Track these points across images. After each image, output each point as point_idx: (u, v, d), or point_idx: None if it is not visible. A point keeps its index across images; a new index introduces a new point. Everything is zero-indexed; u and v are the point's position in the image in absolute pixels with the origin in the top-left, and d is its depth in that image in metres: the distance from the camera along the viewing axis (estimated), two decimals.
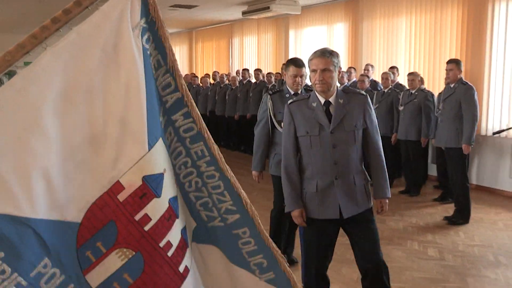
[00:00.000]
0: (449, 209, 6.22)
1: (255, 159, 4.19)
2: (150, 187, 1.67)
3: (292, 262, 4.36)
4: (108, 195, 1.63)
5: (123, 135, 1.64)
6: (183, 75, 1.75)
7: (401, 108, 7.09)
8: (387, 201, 3.06)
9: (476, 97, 5.70)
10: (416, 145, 7.01)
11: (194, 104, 1.82)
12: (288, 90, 4.05)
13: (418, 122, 6.90)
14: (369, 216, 3.00)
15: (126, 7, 1.64)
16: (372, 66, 8.69)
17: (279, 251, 1.94)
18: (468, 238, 5.28)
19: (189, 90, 1.85)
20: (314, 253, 3.03)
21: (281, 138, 3.90)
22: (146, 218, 1.67)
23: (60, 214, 1.56)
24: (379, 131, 3.05)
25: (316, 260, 3.04)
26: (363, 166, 3.02)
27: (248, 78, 11.27)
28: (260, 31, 12.87)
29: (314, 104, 2.92)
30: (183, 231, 1.83)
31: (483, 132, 7.39)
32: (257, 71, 11.06)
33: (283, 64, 10.30)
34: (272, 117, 4.02)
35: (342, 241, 3.28)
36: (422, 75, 7.41)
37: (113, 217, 1.63)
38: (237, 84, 11.31)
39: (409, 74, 7.17)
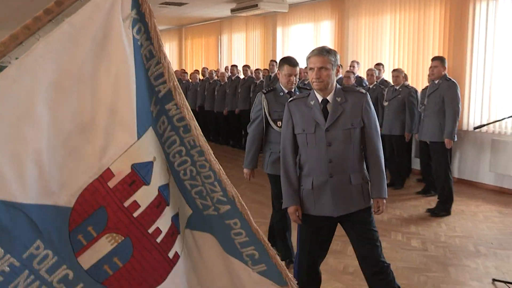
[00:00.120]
0: (431, 201, 6.27)
1: (248, 157, 4.11)
2: (139, 174, 1.69)
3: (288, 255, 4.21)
4: (98, 182, 1.65)
5: (113, 123, 1.66)
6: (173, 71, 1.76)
7: (385, 103, 7.13)
8: (384, 201, 2.95)
9: (459, 93, 5.73)
10: (400, 140, 7.05)
11: (182, 94, 1.81)
12: (282, 88, 3.99)
13: (402, 117, 6.94)
14: (366, 217, 2.91)
15: None
16: (357, 62, 8.71)
17: (269, 244, 1.92)
18: (450, 230, 5.33)
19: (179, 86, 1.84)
20: (307, 249, 2.98)
21: (277, 137, 3.85)
22: (135, 205, 1.70)
23: (53, 199, 1.60)
24: (378, 131, 2.95)
25: (309, 255, 2.99)
26: (363, 166, 2.93)
27: (237, 74, 11.26)
28: (248, 28, 12.85)
29: (312, 102, 2.87)
30: (174, 218, 1.84)
31: (464, 127, 7.45)
32: (246, 67, 11.06)
33: (271, 61, 10.34)
34: (268, 116, 3.96)
35: None
36: (406, 72, 7.44)
37: (103, 203, 1.66)
38: (226, 80, 11.30)
39: (394, 70, 7.20)
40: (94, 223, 1.66)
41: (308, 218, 2.93)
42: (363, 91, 2.94)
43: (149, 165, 1.72)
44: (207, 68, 12.70)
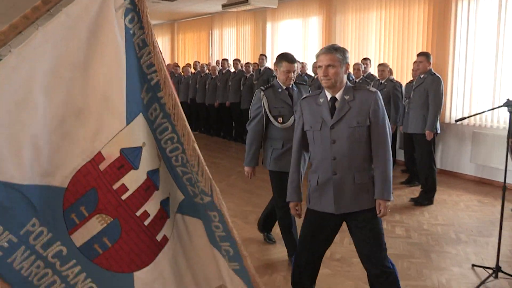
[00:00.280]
0: (415, 191, 6.32)
1: (249, 155, 3.96)
2: (127, 159, 1.72)
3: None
4: (91, 164, 1.70)
5: (105, 109, 1.69)
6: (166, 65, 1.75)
7: None
8: (387, 203, 2.75)
9: (442, 87, 5.75)
10: None
11: (169, 82, 1.79)
12: (280, 85, 3.88)
13: (387, 110, 6.93)
14: (370, 217, 2.78)
15: None
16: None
17: (242, 246, 1.84)
18: (432, 218, 5.38)
19: (171, 79, 1.83)
20: (307, 242, 2.89)
21: (278, 133, 3.85)
22: (123, 188, 1.73)
23: (48, 180, 1.65)
24: (387, 131, 2.78)
25: (308, 249, 2.90)
26: (371, 165, 2.80)
27: (227, 68, 11.23)
28: (239, 23, 12.80)
29: (322, 100, 2.80)
30: (164, 202, 1.84)
31: (446, 120, 7.50)
32: (236, 61, 11.04)
33: (261, 55, 10.32)
34: (268, 112, 3.85)
35: None
36: (391, 66, 7.47)
37: (94, 185, 1.70)
38: (217, 73, 11.26)
39: (379, 65, 7.23)
40: (86, 203, 1.71)
41: (313, 214, 2.87)
42: (373, 89, 2.81)
43: (137, 150, 1.74)
44: (199, 62, 12.65)
